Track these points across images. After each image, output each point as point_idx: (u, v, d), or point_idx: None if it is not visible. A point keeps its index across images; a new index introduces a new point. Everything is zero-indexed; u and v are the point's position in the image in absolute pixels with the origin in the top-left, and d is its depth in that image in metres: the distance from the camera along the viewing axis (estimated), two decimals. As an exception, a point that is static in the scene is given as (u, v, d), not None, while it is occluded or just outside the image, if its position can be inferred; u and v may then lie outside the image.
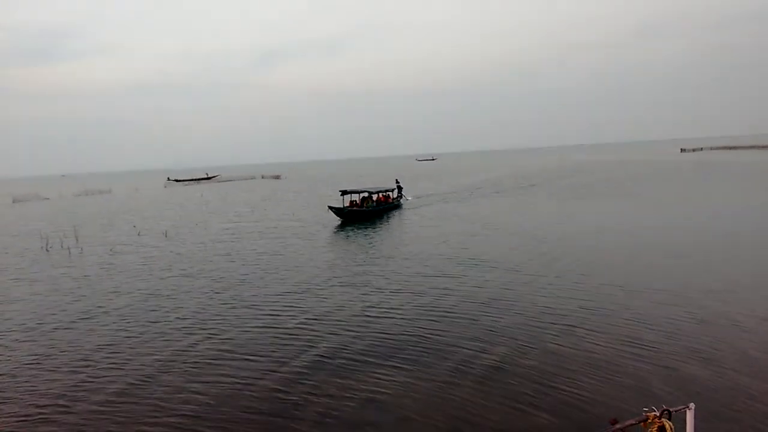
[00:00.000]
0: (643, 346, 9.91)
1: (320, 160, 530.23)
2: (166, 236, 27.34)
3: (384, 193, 34.49)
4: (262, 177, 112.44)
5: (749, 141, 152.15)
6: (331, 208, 30.08)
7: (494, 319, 11.86)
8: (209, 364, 10.15)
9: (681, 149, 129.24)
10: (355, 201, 32.55)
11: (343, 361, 9.92)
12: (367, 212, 31.06)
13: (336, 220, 29.54)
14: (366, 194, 32.90)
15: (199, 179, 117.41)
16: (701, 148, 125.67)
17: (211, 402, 8.60)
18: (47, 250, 24.75)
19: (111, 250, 24.00)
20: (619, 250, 18.64)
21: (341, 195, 31.64)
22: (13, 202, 67.45)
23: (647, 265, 16.19)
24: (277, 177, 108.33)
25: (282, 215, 34.11)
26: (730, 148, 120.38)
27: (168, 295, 15.40)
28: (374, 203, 32.89)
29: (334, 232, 26.30)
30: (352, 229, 26.67)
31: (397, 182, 39.93)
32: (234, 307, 13.65)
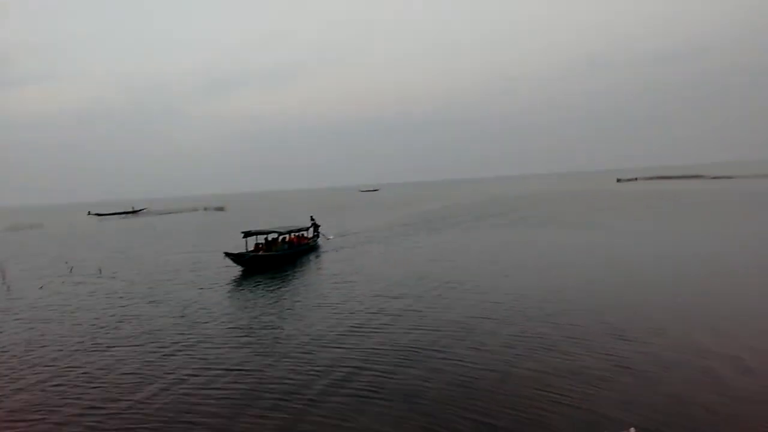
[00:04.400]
0: (580, 369, 10.10)
1: (266, 190, 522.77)
2: (100, 273, 25.86)
3: (297, 233, 29.48)
4: (205, 209, 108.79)
5: (681, 171, 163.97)
6: (228, 254, 24.32)
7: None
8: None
9: (617, 179, 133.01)
10: (261, 244, 27.27)
11: None
12: (275, 257, 25.58)
13: (236, 269, 24.20)
14: (275, 235, 27.59)
15: (125, 212, 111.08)
16: (636, 179, 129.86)
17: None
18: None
19: (41, 287, 22.74)
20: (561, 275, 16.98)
21: (243, 237, 26.25)
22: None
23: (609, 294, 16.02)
24: (221, 209, 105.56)
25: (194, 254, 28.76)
26: (664, 177, 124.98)
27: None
28: (285, 245, 27.62)
29: (230, 285, 21.08)
30: (255, 280, 21.57)
31: (312, 219, 34.56)
32: None
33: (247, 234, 26.23)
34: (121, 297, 19.80)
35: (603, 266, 20.62)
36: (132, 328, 15.18)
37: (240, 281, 21.94)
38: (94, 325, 15.79)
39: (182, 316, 16.15)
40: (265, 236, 27.54)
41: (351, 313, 15.36)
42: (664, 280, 17.62)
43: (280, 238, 27.67)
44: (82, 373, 11.51)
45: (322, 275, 22.44)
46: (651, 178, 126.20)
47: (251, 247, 26.68)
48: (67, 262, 30.15)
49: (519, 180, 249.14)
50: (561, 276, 18.85)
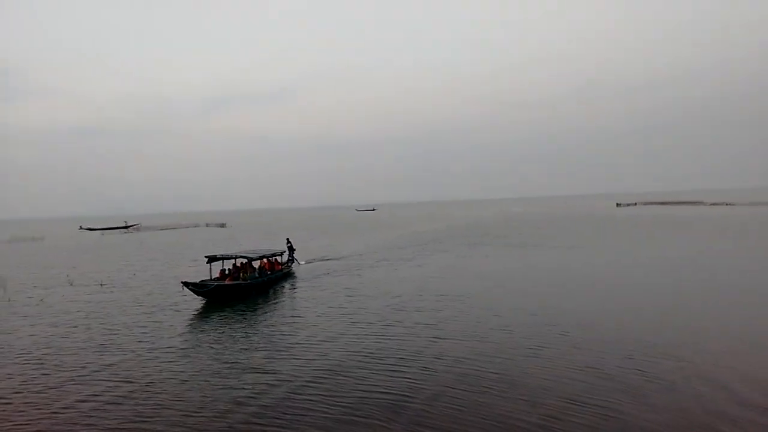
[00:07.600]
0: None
1: (267, 208, 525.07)
2: (101, 286, 26.19)
3: (270, 258, 26.36)
4: (207, 225, 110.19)
5: (677, 197, 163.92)
6: (186, 284, 20.74)
7: None
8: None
9: (617, 204, 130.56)
10: (228, 270, 23.95)
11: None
12: (243, 287, 21.97)
13: (197, 300, 20.85)
14: (244, 260, 24.32)
15: (117, 228, 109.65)
16: (635, 203, 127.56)
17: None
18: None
19: (41, 300, 22.44)
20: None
21: (208, 262, 23.32)
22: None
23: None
24: (223, 225, 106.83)
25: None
26: (662, 203, 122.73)
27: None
28: (255, 272, 24.29)
29: (188, 323, 17.79)
30: (218, 315, 18.27)
31: (288, 242, 31.42)
32: None
33: (211, 258, 23.17)
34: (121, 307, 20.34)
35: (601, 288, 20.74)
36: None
37: (197, 316, 19.02)
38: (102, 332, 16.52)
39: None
40: (233, 259, 24.48)
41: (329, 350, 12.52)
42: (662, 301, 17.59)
43: (252, 263, 24.57)
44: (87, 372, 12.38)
45: (297, 308, 19.34)
46: (650, 203, 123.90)
47: (216, 274, 23.75)
48: (68, 276, 30.62)
49: (520, 202, 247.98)
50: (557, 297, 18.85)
